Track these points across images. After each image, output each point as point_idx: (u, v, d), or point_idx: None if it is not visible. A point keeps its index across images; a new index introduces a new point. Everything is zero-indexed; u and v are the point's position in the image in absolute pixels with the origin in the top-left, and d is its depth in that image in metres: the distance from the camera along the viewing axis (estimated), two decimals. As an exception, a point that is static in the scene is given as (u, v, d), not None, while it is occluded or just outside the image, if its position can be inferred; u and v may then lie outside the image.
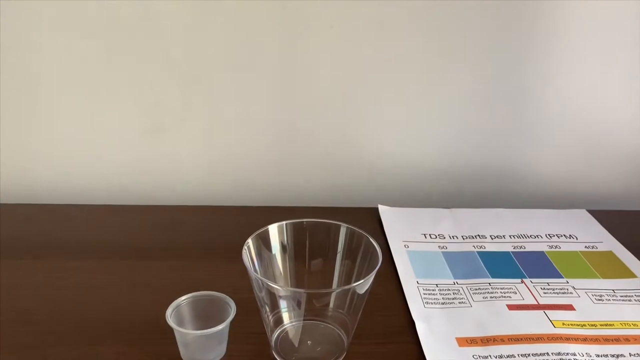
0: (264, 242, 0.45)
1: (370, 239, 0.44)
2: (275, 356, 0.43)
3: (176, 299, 0.44)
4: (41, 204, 0.66)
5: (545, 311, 0.49)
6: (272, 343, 0.44)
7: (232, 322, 0.43)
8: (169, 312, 0.42)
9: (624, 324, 0.48)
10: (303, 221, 0.46)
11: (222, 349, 0.43)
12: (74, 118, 0.65)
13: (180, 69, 0.64)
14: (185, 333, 0.42)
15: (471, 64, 0.65)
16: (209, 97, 0.65)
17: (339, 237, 0.46)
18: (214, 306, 0.44)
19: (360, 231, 0.45)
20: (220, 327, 0.41)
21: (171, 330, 0.42)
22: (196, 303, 0.44)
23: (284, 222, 0.46)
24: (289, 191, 0.70)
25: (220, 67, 0.64)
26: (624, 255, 0.58)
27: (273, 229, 0.45)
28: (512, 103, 0.67)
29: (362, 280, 0.40)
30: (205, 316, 0.43)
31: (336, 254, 0.46)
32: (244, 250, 0.43)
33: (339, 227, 0.46)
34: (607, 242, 0.61)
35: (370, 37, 0.63)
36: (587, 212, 0.67)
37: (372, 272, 0.41)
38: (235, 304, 0.43)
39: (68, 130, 0.66)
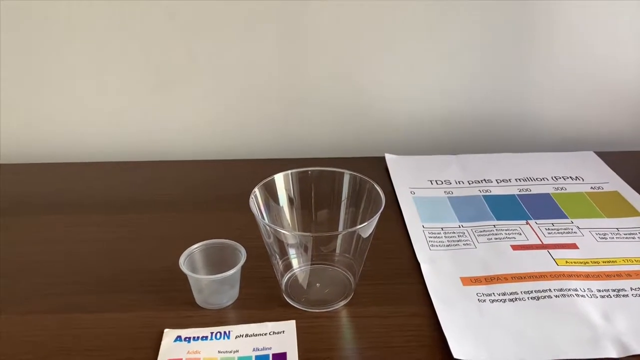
0: (270, 191, 0.46)
1: (374, 184, 0.45)
2: (286, 298, 0.45)
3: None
4: (52, 162, 0.67)
5: (549, 250, 0.50)
6: (283, 286, 0.46)
7: (243, 268, 0.44)
8: (182, 259, 0.44)
9: (626, 260, 0.49)
10: (308, 170, 0.47)
11: (234, 292, 0.45)
12: (82, 77, 0.66)
13: (186, 23, 0.63)
14: (199, 278, 0.44)
15: (477, 10, 0.64)
16: (215, 52, 0.65)
17: (343, 184, 0.47)
18: (225, 253, 0.46)
19: (364, 177, 0.46)
20: (231, 271, 0.43)
21: (186, 277, 0.43)
22: (208, 250, 0.46)
23: (289, 171, 0.47)
24: (296, 143, 0.71)
25: (225, 20, 0.63)
26: (630, 194, 0.59)
27: (279, 178, 0.47)
28: (517, 48, 0.66)
29: (366, 223, 0.41)
30: (217, 262, 0.45)
31: (341, 201, 0.47)
32: (251, 199, 0.44)
33: (342, 174, 0.47)
34: (613, 183, 0.61)
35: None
36: (594, 154, 0.66)
37: (375, 215, 0.42)
38: (246, 251, 0.45)
39: (76, 89, 0.67)
